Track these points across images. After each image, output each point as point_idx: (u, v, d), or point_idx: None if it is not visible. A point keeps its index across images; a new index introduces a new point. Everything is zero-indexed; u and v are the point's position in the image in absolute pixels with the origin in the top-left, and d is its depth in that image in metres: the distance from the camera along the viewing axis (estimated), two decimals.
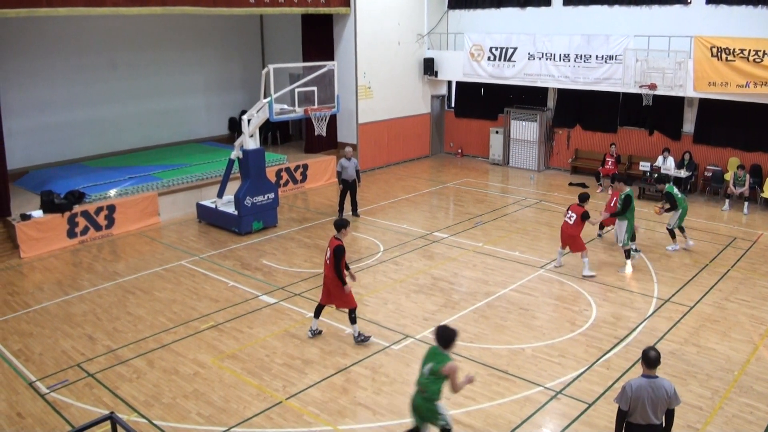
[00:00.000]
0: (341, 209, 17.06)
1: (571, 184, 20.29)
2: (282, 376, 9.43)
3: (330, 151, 21.40)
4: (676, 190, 14.06)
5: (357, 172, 16.66)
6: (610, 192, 15.32)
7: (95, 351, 10.25)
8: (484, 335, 10.56)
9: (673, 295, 11.98)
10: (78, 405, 8.78)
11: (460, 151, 24.68)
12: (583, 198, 13.03)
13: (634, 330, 10.64)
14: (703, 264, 13.51)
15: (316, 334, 10.59)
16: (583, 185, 19.93)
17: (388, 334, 10.62)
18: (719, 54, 17.05)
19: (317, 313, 10.52)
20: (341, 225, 10.08)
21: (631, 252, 13.47)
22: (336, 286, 10.02)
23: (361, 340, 10.32)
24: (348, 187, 16.72)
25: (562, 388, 9.00)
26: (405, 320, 11.08)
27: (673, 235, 14.32)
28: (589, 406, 8.57)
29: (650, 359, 6.43)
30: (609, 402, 8.39)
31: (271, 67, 14.74)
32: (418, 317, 11.18)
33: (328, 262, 10.07)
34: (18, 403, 8.89)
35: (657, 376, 6.45)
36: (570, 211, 12.90)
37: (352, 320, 10.28)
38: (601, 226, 15.01)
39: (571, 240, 12.89)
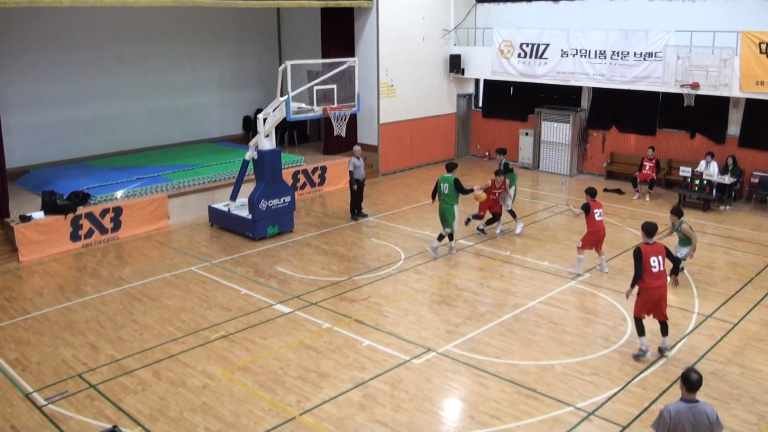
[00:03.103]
0: (359, 211, 17.23)
1: (606, 190, 20.09)
2: (296, 390, 9.43)
3: (349, 153, 21.37)
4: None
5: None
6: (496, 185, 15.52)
7: (98, 361, 10.31)
8: (511, 350, 10.48)
9: (715, 311, 11.81)
10: (78, 418, 8.82)
11: (487, 153, 24.59)
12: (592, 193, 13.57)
13: (672, 347, 10.49)
14: (749, 277, 13.30)
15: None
16: (619, 191, 19.77)
17: (408, 348, 10.58)
18: None
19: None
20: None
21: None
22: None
23: None
24: (360, 187, 17.04)
25: (594, 409, 8.89)
26: (427, 333, 11.03)
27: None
28: (624, 429, 8.45)
29: (692, 382, 6.28)
30: (645, 425, 8.28)
31: (288, 63, 14.80)
32: (441, 330, 11.12)
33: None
34: (13, 415, 8.94)
35: (698, 401, 6.33)
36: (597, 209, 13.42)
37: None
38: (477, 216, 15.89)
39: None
